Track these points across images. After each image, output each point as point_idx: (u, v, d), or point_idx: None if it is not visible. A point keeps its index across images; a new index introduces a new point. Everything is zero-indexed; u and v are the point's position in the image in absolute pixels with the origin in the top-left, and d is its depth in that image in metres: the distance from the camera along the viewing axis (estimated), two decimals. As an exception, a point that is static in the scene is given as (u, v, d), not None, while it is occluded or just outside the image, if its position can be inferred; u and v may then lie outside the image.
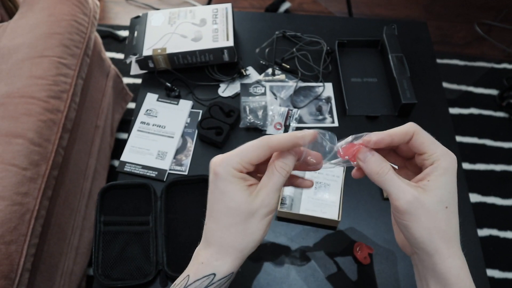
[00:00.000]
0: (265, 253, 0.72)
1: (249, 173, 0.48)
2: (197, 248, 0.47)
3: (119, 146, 1.44)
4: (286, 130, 0.84)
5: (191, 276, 0.46)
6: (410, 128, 0.44)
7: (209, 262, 0.45)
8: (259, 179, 0.48)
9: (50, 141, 0.89)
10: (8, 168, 0.80)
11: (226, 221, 0.45)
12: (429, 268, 0.45)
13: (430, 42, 1.01)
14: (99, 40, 1.25)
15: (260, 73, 0.93)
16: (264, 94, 0.89)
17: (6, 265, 0.75)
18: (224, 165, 0.44)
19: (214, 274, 0.45)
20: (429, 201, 0.42)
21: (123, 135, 1.52)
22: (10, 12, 1.14)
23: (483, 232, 1.40)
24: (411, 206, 0.42)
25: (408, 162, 0.50)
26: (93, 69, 1.18)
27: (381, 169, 0.44)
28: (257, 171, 0.49)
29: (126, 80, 1.62)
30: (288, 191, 0.75)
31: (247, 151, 0.44)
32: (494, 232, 1.40)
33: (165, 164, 0.80)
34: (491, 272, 1.33)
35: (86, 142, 1.16)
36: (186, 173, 0.80)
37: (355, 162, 0.46)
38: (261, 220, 0.45)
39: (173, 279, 0.47)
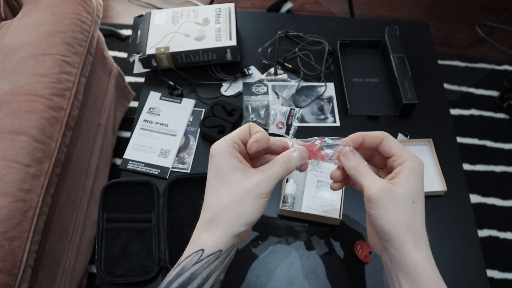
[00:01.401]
0: (266, 250, 0.72)
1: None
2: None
3: (121, 144, 1.45)
4: (288, 129, 0.85)
5: (184, 254, 0.48)
6: (380, 133, 0.52)
7: (199, 238, 0.48)
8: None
9: (53, 138, 0.90)
10: (11, 165, 0.81)
11: (219, 196, 0.48)
12: (398, 261, 0.48)
13: (432, 43, 1.02)
14: (102, 38, 1.25)
15: (262, 73, 0.94)
16: (266, 93, 0.89)
17: (9, 261, 0.75)
18: (220, 144, 0.49)
19: (203, 250, 0.47)
20: (397, 193, 0.47)
21: (125, 134, 1.52)
22: (14, 10, 1.15)
23: (483, 233, 1.40)
24: (382, 194, 0.47)
25: (381, 170, 0.56)
26: (95, 68, 1.19)
27: (358, 164, 0.50)
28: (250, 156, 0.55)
29: (128, 79, 1.63)
30: (290, 189, 0.75)
31: (235, 132, 0.51)
32: (494, 232, 1.41)
33: (168, 162, 0.80)
34: (491, 273, 1.33)
35: (89, 140, 1.16)
36: (188, 171, 0.80)
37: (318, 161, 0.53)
38: (253, 200, 0.47)
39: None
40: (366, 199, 0.49)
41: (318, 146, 0.52)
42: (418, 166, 0.49)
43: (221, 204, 0.48)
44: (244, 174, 0.48)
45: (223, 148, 0.48)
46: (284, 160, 0.49)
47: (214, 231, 0.47)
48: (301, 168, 0.52)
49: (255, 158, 0.56)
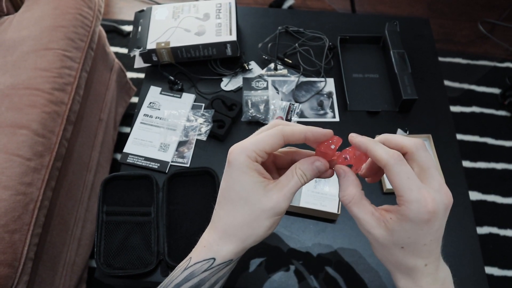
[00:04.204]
0: (265, 245, 0.72)
1: (267, 168, 0.49)
2: (204, 232, 0.49)
3: (122, 139, 1.45)
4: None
5: (193, 258, 0.47)
6: (386, 157, 0.41)
7: (211, 247, 0.47)
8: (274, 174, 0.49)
9: (54, 132, 0.90)
10: (13, 158, 0.81)
11: (234, 210, 0.45)
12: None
13: (432, 38, 1.02)
14: (104, 34, 1.26)
15: (262, 68, 0.94)
16: (266, 88, 0.90)
17: (9, 254, 0.76)
18: (240, 154, 0.44)
19: (214, 259, 0.46)
20: (383, 238, 0.43)
21: (127, 129, 1.53)
22: (16, 5, 1.15)
23: (483, 230, 1.40)
24: (371, 239, 0.45)
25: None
26: (97, 63, 1.19)
27: (343, 197, 0.45)
28: (276, 164, 0.50)
29: (130, 75, 1.63)
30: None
31: (262, 141, 0.44)
32: (494, 230, 1.41)
33: (167, 156, 0.81)
34: (491, 270, 1.33)
35: (90, 135, 1.17)
36: (188, 165, 0.81)
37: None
38: (268, 218, 0.45)
39: (174, 269, 0.49)
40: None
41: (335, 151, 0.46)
42: (418, 215, 0.41)
43: (236, 219, 0.45)
44: (263, 189, 0.44)
45: (242, 160, 0.43)
46: (301, 174, 0.45)
47: (227, 242, 0.46)
48: (322, 176, 0.47)
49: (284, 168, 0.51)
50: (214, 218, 0.48)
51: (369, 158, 0.47)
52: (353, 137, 0.45)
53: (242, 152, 0.44)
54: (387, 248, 0.44)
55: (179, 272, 0.47)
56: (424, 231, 0.42)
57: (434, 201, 0.41)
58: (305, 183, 0.45)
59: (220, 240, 0.46)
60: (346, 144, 0.45)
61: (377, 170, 0.49)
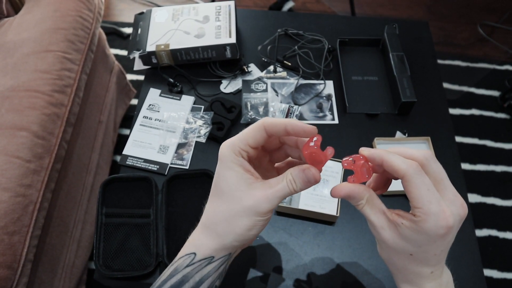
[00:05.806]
0: (263, 247, 0.72)
1: (265, 168, 0.49)
2: None
3: (122, 141, 1.45)
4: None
5: (179, 252, 0.47)
6: (403, 169, 0.40)
7: (193, 241, 0.47)
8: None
9: (53, 134, 0.91)
10: (12, 160, 0.82)
11: (217, 205, 0.45)
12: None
13: (431, 41, 1.02)
14: (104, 36, 1.26)
15: (262, 70, 0.94)
16: (265, 90, 0.90)
17: (9, 255, 0.76)
18: (226, 149, 0.44)
19: (195, 254, 0.45)
20: (393, 242, 0.43)
21: (126, 131, 1.53)
22: (16, 7, 1.16)
23: (482, 232, 1.40)
24: (377, 237, 0.45)
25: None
26: (97, 65, 1.20)
27: (355, 202, 0.44)
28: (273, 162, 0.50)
29: (130, 77, 1.63)
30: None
31: (245, 134, 0.44)
32: (494, 232, 1.41)
33: (167, 158, 0.81)
34: (490, 272, 1.33)
35: (89, 137, 1.17)
36: (187, 167, 0.81)
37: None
38: (248, 217, 0.43)
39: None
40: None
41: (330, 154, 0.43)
42: (434, 229, 0.40)
43: (216, 214, 0.45)
44: (247, 186, 0.43)
45: (228, 154, 0.44)
46: (291, 179, 0.43)
47: (207, 237, 0.45)
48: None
49: (276, 149, 0.49)
50: (203, 213, 0.48)
51: (373, 175, 0.47)
52: (364, 150, 0.43)
53: (228, 147, 0.44)
54: (394, 251, 0.44)
55: (168, 268, 0.47)
56: (437, 243, 0.42)
57: (452, 216, 0.40)
58: (294, 190, 0.43)
59: (201, 235, 0.46)
60: (347, 151, 0.44)
61: (384, 183, 0.48)
